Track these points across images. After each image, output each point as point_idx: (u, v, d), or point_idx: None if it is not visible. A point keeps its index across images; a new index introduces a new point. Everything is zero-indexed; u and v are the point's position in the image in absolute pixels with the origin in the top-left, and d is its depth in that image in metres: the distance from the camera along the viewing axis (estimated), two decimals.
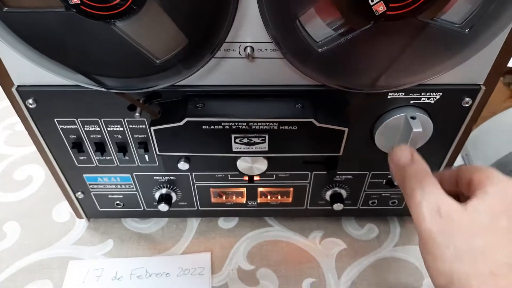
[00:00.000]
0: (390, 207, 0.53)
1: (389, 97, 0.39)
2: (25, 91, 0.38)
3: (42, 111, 0.40)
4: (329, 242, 0.54)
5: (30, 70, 0.36)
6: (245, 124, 0.37)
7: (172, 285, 0.49)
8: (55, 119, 0.41)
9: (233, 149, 0.39)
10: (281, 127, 0.37)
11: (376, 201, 0.52)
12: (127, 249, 0.53)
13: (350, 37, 0.31)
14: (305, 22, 0.31)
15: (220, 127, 0.37)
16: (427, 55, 0.33)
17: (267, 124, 0.37)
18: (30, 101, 0.39)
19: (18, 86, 0.38)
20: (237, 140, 0.38)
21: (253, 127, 0.37)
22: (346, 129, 0.38)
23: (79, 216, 0.54)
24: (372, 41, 0.32)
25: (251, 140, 0.38)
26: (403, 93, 0.39)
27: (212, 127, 0.37)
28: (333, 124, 0.37)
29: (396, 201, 0.52)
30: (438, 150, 0.45)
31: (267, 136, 0.38)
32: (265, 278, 0.50)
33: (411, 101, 0.40)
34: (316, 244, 0.53)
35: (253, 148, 0.39)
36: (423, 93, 0.39)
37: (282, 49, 0.33)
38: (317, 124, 0.37)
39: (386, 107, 0.40)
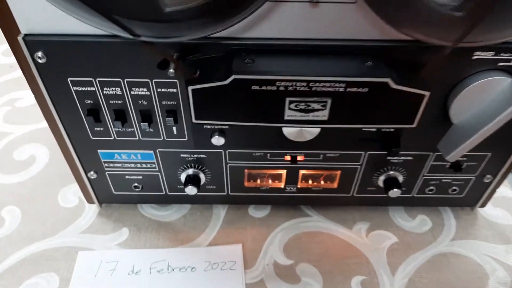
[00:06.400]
0: (448, 196, 0.46)
1: (474, 57, 0.32)
2: (34, 41, 0.31)
3: (53, 67, 0.33)
4: (377, 234, 0.47)
5: (41, 14, 0.29)
6: (305, 84, 0.30)
7: (200, 281, 0.42)
8: (69, 79, 0.34)
9: (285, 118, 0.32)
10: (347, 90, 0.30)
11: (434, 188, 0.45)
12: (145, 239, 0.46)
13: None
14: None
15: (274, 87, 0.30)
16: None
17: (332, 85, 0.30)
18: (40, 54, 0.32)
19: (26, 34, 0.31)
20: (292, 106, 0.32)
21: (313, 88, 0.30)
22: (428, 93, 0.31)
23: (90, 201, 0.47)
24: None
25: (309, 105, 0.32)
26: (494, 53, 0.32)
27: (263, 87, 0.30)
28: (413, 86, 0.31)
29: (457, 188, 0.45)
30: None
31: (329, 101, 0.31)
32: (306, 275, 0.43)
33: (499, 63, 0.33)
34: (362, 237, 0.47)
35: (310, 116, 0.32)
36: None
37: None
38: (393, 85, 0.30)
39: (468, 70, 0.33)
